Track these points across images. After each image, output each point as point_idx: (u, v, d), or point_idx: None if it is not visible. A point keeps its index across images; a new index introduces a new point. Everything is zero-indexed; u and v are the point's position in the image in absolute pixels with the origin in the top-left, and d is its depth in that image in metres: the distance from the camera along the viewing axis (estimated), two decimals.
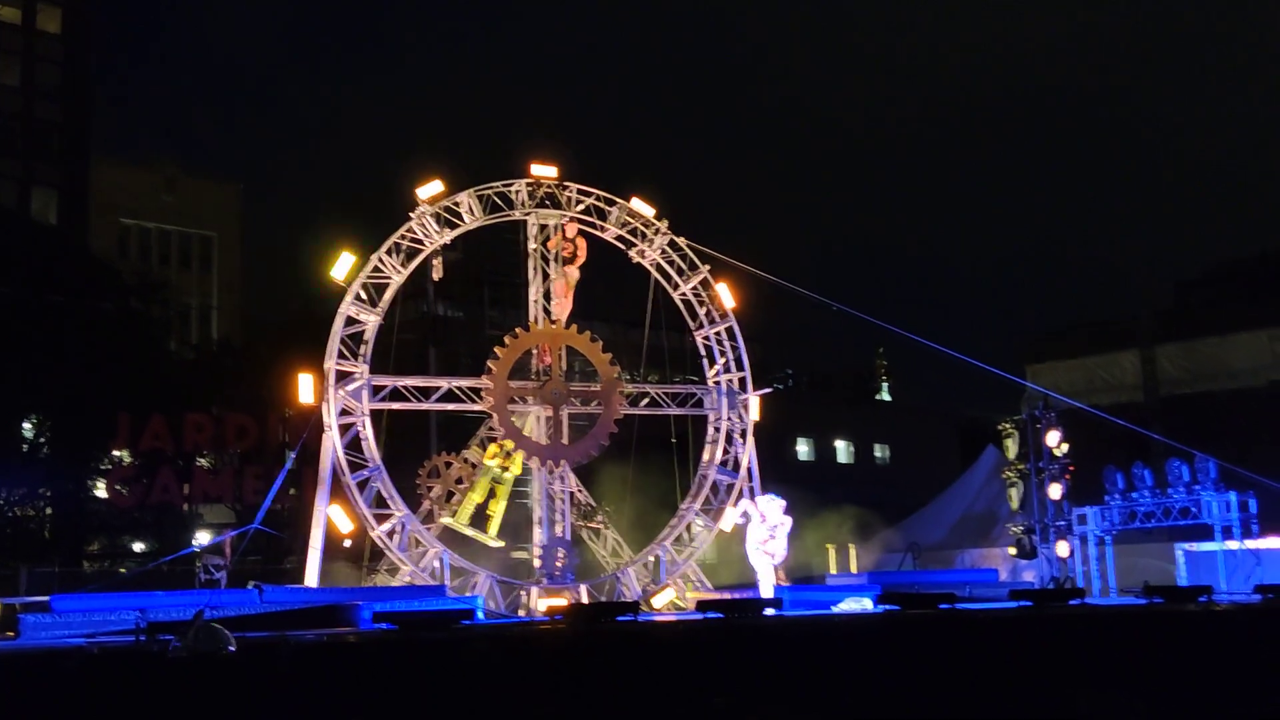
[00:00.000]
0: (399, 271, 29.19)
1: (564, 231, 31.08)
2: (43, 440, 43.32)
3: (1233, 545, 30.73)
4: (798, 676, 19.30)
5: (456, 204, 29.96)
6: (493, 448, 30.00)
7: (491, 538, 30.20)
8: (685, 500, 31.40)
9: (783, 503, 29.01)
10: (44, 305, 41.70)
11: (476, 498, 30.00)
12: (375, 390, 28.87)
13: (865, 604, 27.60)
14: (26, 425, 43.20)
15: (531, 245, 31.12)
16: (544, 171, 30.92)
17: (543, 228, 31.07)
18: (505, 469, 30.03)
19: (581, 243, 31.33)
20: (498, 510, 30.12)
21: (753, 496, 31.25)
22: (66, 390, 40.09)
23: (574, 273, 31.28)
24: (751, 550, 28.60)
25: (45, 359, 40.07)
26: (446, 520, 29.83)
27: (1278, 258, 53.26)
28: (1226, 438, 36.56)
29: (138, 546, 44.23)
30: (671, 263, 31.93)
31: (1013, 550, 33.91)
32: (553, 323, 30.72)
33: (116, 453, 40.27)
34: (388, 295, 29.05)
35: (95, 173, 62.15)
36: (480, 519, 30.21)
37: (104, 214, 62.65)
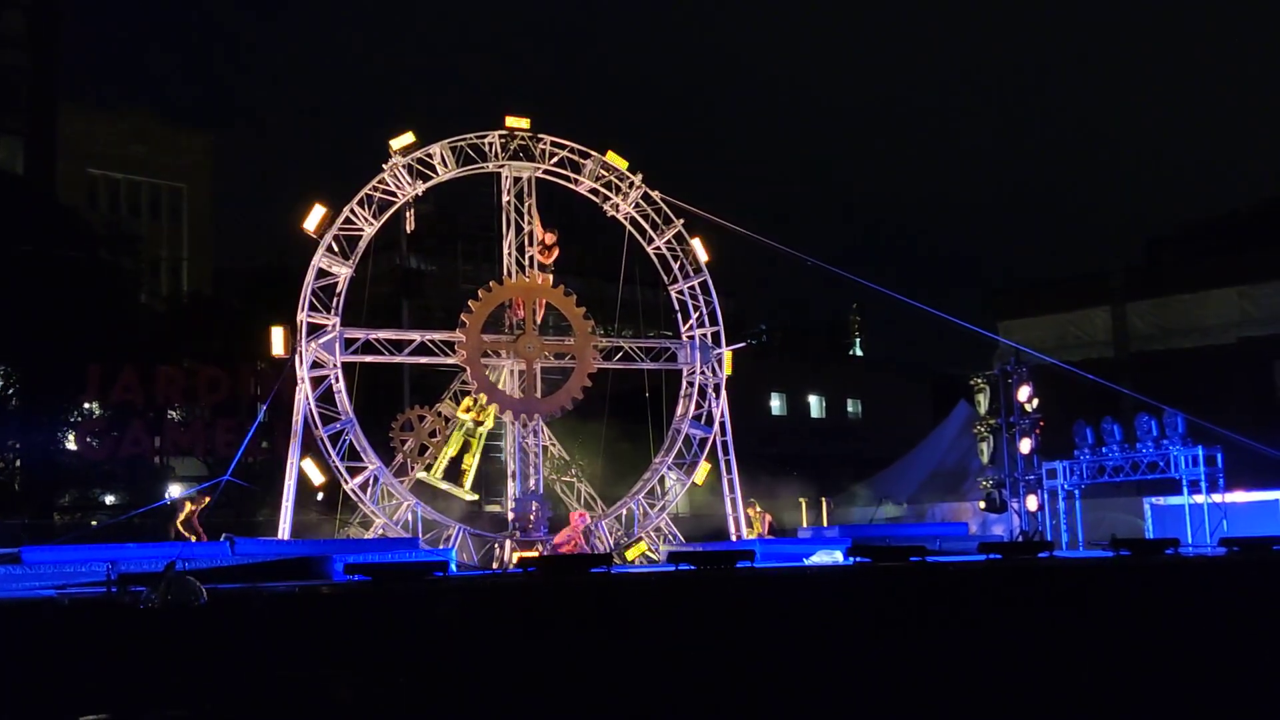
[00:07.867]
0: (371, 223, 28.98)
1: (542, 238, 30.85)
2: (11, 392, 42.99)
3: (1199, 499, 31.11)
4: (769, 626, 19.45)
5: (429, 155, 29.71)
6: (466, 401, 30.02)
7: (467, 491, 30.35)
8: (658, 454, 31.49)
9: None
10: (11, 255, 41.20)
11: (450, 451, 30.09)
12: (347, 343, 28.74)
13: (836, 557, 27.83)
14: None
15: (505, 198, 30.96)
16: (517, 123, 30.68)
17: (516, 180, 30.91)
18: (479, 422, 30.11)
19: (554, 251, 31.11)
20: (472, 464, 30.24)
21: (726, 452, 31.42)
22: (35, 342, 39.74)
23: (548, 270, 31.19)
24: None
25: (12, 310, 39.66)
26: (421, 475, 29.87)
27: (1247, 216, 53.59)
28: (1196, 393, 36.85)
29: (108, 499, 44.08)
30: (646, 217, 31.82)
31: (983, 504, 34.19)
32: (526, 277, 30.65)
33: (87, 405, 40.10)
34: (360, 247, 28.86)
35: (63, 121, 61.13)
36: (454, 473, 30.30)
37: (72, 163, 61.79)
